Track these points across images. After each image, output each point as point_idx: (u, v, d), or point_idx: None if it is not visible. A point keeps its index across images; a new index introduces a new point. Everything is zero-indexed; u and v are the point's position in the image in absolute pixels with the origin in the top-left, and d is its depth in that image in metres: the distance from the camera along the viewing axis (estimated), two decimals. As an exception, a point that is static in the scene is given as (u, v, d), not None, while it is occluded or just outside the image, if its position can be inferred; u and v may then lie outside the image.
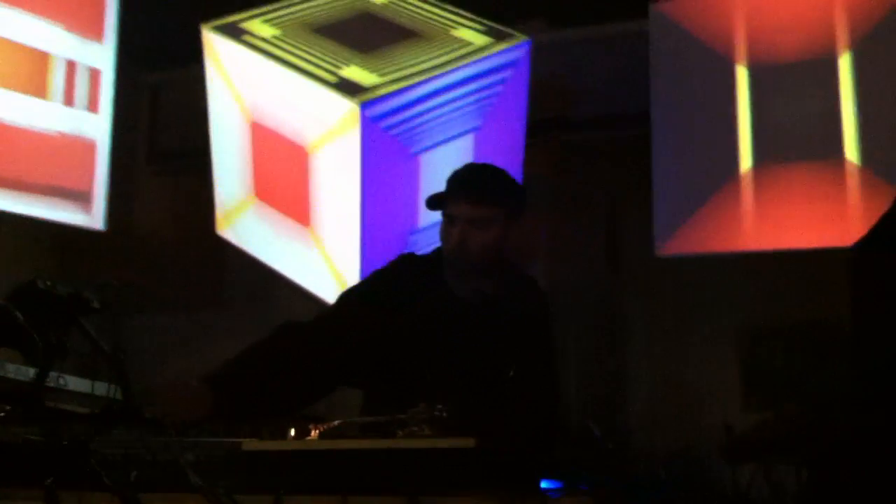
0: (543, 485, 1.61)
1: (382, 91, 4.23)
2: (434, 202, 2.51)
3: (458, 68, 4.35)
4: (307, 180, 4.45)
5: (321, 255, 4.51)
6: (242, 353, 2.40)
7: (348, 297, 2.62)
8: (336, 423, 1.94)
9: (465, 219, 2.44)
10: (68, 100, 4.94)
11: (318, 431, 1.95)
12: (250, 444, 1.80)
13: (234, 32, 4.69)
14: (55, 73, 4.90)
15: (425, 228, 4.43)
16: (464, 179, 2.53)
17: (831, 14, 4.24)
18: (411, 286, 2.48)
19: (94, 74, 5.04)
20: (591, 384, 5.24)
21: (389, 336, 2.41)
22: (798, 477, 3.38)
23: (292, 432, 1.94)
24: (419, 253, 2.69)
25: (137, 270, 5.40)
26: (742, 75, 4.31)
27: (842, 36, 4.18)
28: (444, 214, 2.50)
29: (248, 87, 4.66)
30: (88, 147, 4.99)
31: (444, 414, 1.82)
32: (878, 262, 1.59)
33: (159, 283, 5.44)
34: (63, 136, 4.89)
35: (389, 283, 2.53)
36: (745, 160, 4.28)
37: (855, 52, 4.20)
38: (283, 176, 4.60)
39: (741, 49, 4.32)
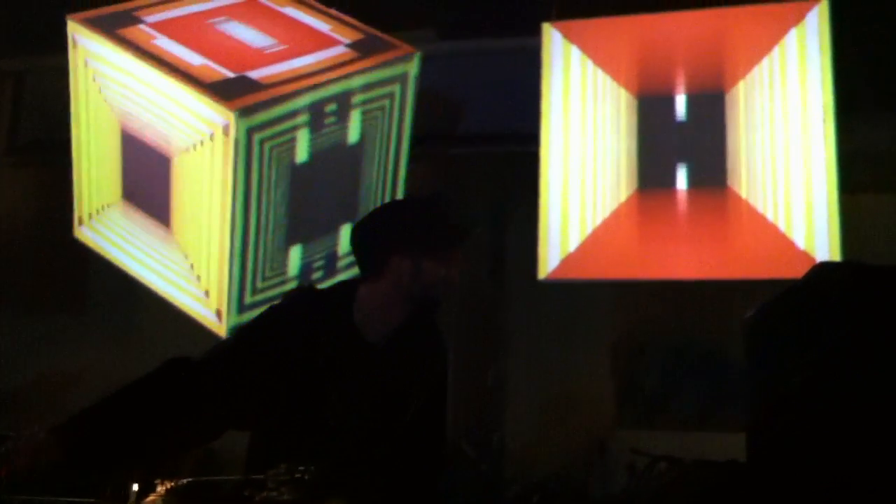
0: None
1: (260, 99, 4.00)
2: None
3: (342, 77, 4.16)
4: (176, 188, 4.20)
5: (186, 265, 4.27)
6: (118, 393, 2.15)
7: (245, 332, 2.44)
8: (185, 481, 1.76)
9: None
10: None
11: (164, 489, 1.77)
12: (84, 511, 1.60)
13: (104, 26, 4.37)
14: None
15: (301, 243, 4.25)
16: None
17: (721, 50, 4.25)
18: (316, 325, 2.31)
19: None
20: (468, 402, 5.14)
21: (292, 378, 2.25)
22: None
23: (135, 488, 1.75)
24: (318, 287, 2.50)
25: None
26: (632, 103, 4.28)
27: (731, 71, 4.20)
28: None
29: (115, 86, 4.37)
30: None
31: (307, 476, 1.67)
32: (776, 335, 1.51)
33: (14, 281, 5.11)
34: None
35: (292, 320, 2.33)
36: (631, 188, 4.25)
37: (743, 87, 4.22)
38: (150, 181, 4.33)
39: (633, 77, 4.29)
